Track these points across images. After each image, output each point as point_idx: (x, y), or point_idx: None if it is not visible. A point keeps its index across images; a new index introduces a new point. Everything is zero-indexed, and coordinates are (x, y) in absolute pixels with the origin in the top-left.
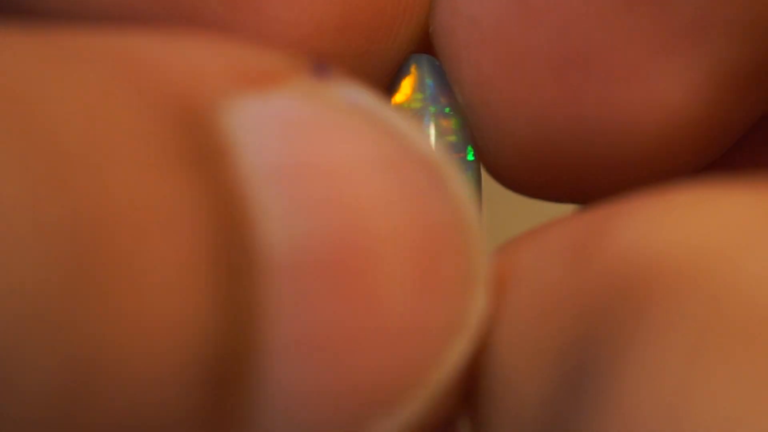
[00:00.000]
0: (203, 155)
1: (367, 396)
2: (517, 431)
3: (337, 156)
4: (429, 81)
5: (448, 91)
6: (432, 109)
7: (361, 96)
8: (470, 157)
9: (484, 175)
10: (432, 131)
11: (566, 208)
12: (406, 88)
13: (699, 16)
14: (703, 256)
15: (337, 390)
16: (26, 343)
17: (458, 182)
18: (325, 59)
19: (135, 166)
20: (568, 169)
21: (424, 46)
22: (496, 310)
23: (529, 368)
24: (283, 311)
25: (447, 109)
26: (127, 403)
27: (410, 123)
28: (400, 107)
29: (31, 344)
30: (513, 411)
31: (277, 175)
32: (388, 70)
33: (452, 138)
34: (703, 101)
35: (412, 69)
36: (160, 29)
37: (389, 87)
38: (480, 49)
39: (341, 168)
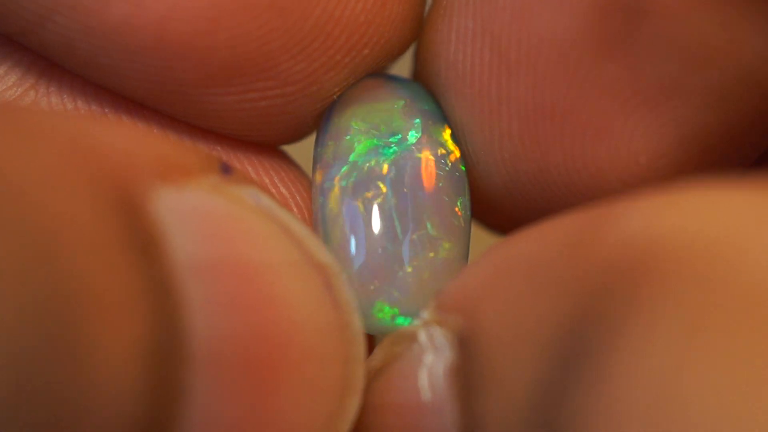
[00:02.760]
0: (142, 245)
1: None
2: (512, 412)
3: (248, 257)
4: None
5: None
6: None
7: (261, 197)
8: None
9: None
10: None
11: None
12: None
13: (670, 82)
14: (704, 241)
15: None
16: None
17: (346, 287)
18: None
19: (93, 252)
20: (537, 215)
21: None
22: (490, 297)
23: (523, 352)
24: (199, 398)
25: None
26: None
27: (303, 226)
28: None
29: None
30: (506, 395)
31: (199, 271)
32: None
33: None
34: (670, 164)
35: None
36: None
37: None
38: (458, 93)
39: (252, 269)
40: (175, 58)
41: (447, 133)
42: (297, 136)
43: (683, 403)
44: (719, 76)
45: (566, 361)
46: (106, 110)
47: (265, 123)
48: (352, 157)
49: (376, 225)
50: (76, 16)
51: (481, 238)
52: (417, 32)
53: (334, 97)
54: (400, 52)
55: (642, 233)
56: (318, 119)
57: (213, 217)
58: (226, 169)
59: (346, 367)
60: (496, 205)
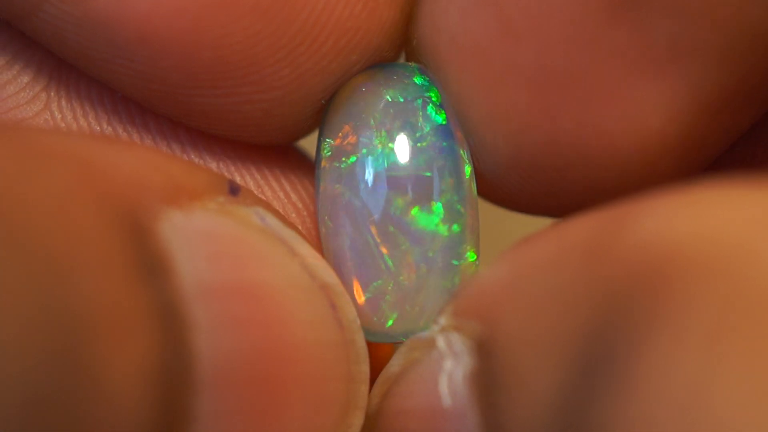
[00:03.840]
0: (149, 267)
1: None
2: (534, 418)
3: (254, 278)
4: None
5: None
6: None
7: (268, 217)
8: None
9: None
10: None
11: None
12: None
13: (677, 43)
14: (721, 246)
15: None
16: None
17: (350, 308)
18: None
19: (101, 273)
20: (547, 185)
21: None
22: (508, 303)
23: (545, 358)
24: (205, 418)
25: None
26: None
27: (308, 245)
28: None
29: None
30: (528, 400)
31: (205, 293)
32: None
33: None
34: (681, 124)
35: None
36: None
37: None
38: (461, 67)
39: (258, 290)
40: (158, 55)
41: (430, 122)
42: (289, 139)
43: (714, 409)
44: (727, 34)
45: (589, 366)
46: (113, 115)
47: (251, 126)
48: (335, 175)
49: (365, 240)
50: (64, 6)
51: (490, 239)
52: (405, 40)
53: (323, 102)
54: (391, 56)
55: (660, 238)
56: (311, 121)
57: (219, 238)
58: (233, 189)
59: (350, 385)
60: (505, 179)
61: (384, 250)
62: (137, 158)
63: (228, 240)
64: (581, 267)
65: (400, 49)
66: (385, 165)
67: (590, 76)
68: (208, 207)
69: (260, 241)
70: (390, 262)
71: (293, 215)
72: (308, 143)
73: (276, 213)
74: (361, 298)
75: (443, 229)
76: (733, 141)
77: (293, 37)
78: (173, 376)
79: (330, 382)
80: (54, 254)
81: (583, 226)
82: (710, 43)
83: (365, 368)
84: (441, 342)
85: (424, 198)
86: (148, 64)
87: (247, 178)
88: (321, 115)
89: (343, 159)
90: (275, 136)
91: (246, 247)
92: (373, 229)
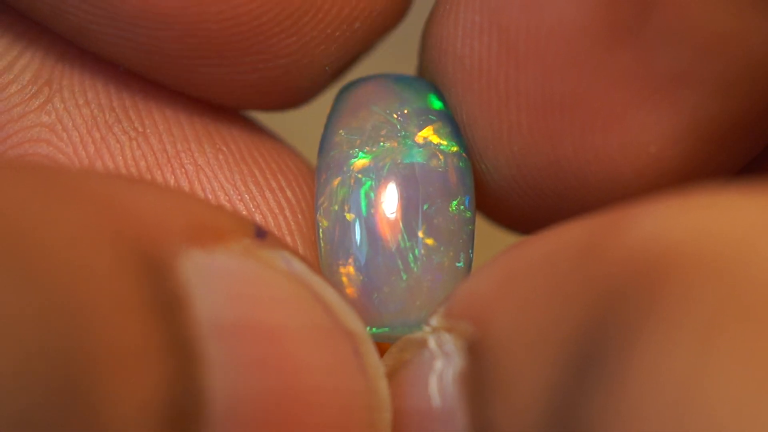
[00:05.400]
0: (165, 304)
1: None
2: (526, 418)
3: (274, 320)
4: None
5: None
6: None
7: (294, 261)
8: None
9: None
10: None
11: None
12: None
13: (680, 71)
14: (719, 244)
15: None
16: None
17: (374, 355)
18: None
19: (114, 309)
20: (547, 207)
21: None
22: (501, 303)
23: (537, 358)
24: None
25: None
26: None
27: (335, 292)
28: None
29: None
30: (519, 400)
31: (222, 332)
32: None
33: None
34: (682, 152)
35: None
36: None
37: None
38: (466, 89)
39: (277, 333)
40: (161, 28)
41: (445, 131)
42: (291, 105)
43: (707, 404)
44: (730, 63)
45: (581, 366)
46: (115, 104)
47: (256, 94)
48: (345, 169)
49: (371, 235)
50: None
51: (485, 241)
52: (409, 4)
53: (327, 69)
54: (393, 24)
55: (657, 237)
56: (315, 88)
57: (241, 278)
58: (260, 233)
59: None
60: (505, 200)
61: (395, 246)
62: (160, 197)
63: (249, 280)
64: (575, 266)
65: (401, 17)
66: (407, 160)
67: (590, 102)
68: (232, 248)
69: (283, 283)
70: (400, 260)
71: (287, 212)
72: (307, 140)
73: (302, 258)
74: (357, 292)
75: (455, 227)
76: (737, 168)
77: (299, 6)
78: (183, 412)
79: (350, 430)
80: (62, 290)
81: (578, 229)
82: (712, 72)
83: (387, 416)
84: (432, 342)
85: (442, 197)
86: (151, 38)
87: (241, 175)
88: (324, 81)
89: (363, 151)
90: (279, 102)
91: (267, 289)
92: (388, 223)
